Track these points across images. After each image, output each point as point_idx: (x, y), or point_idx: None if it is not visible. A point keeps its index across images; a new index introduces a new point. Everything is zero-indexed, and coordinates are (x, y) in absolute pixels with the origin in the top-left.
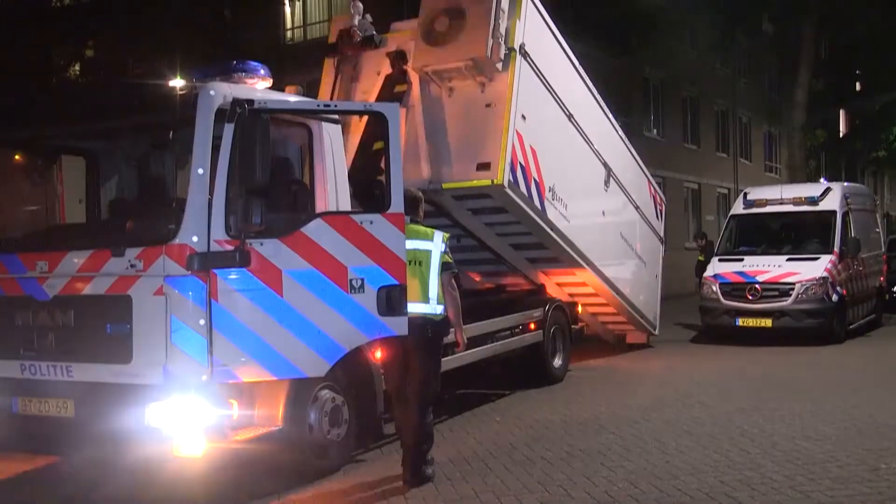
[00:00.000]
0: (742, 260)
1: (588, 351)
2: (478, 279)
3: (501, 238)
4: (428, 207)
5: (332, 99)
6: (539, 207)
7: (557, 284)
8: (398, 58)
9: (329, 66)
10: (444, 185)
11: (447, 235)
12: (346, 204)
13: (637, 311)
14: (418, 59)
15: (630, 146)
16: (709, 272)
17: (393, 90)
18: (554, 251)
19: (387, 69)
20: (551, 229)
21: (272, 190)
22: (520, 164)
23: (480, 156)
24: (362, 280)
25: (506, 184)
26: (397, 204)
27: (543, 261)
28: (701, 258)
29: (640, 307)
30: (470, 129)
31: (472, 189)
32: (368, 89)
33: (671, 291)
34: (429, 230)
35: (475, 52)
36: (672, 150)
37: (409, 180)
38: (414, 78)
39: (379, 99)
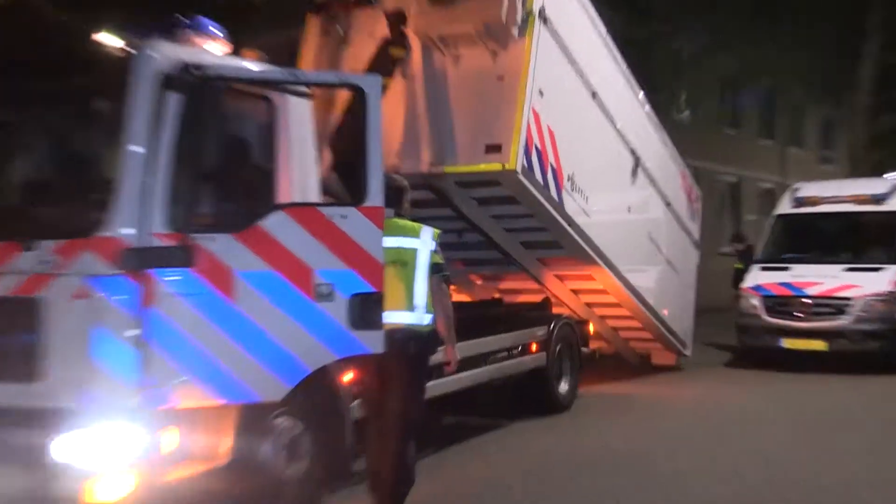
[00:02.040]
0: (789, 269)
1: (605, 373)
2: (479, 282)
3: (510, 234)
4: (426, 195)
5: (316, 68)
6: (556, 199)
7: (573, 292)
8: (397, 18)
9: (313, 25)
10: (447, 169)
11: (438, 232)
12: (314, 194)
13: (665, 327)
14: (421, 21)
15: (662, 132)
16: (748, 283)
17: (390, 57)
18: (570, 251)
19: (383, 31)
20: (569, 225)
21: (225, 175)
22: (535, 147)
23: (490, 136)
24: (331, 286)
25: (519, 169)
26: (376, 195)
27: (557, 262)
28: (739, 266)
29: (669, 322)
30: (478, 104)
31: (480, 175)
32: (360, 55)
33: (703, 304)
34: (415, 225)
35: (488, 15)
36: (706, 136)
37: (406, 163)
38: (415, 43)
39: (373, 67)
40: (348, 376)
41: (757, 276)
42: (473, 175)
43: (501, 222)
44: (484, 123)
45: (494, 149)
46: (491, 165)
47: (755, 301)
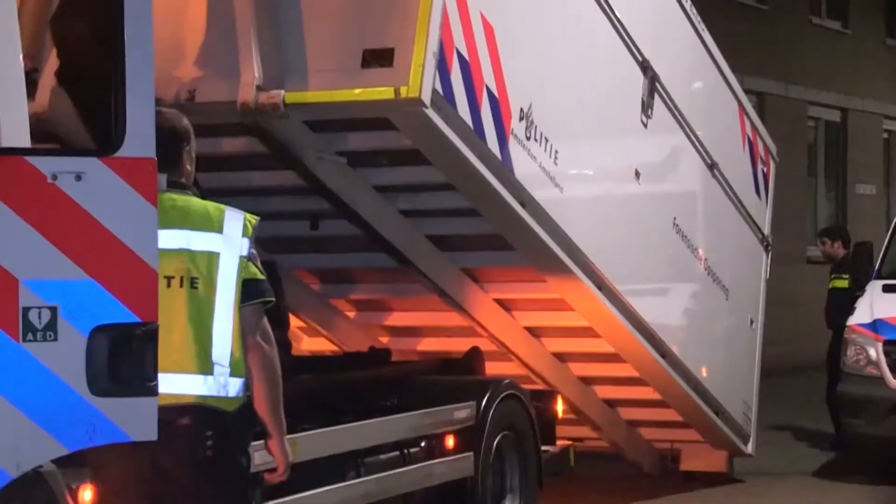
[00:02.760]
0: None
1: (591, 491)
2: (350, 314)
3: (410, 222)
4: (248, 146)
5: None
6: (496, 154)
7: (529, 331)
8: None
9: None
10: (289, 98)
11: (254, 220)
12: (17, 132)
13: (707, 401)
14: None
15: (702, 27)
16: (859, 316)
17: None
18: (526, 252)
19: None
20: (521, 204)
21: None
22: (458, 55)
23: (372, 34)
24: (52, 311)
25: (427, 98)
26: (138, 139)
27: (500, 274)
28: (840, 284)
29: (715, 390)
30: None
31: (352, 108)
32: None
33: (775, 356)
34: (211, 207)
35: None
36: (784, 32)
37: (207, 86)
38: None
39: None
40: (85, 493)
41: (876, 304)
42: (340, 108)
43: (394, 199)
44: (360, 11)
45: (379, 57)
46: (373, 91)
47: (872, 349)
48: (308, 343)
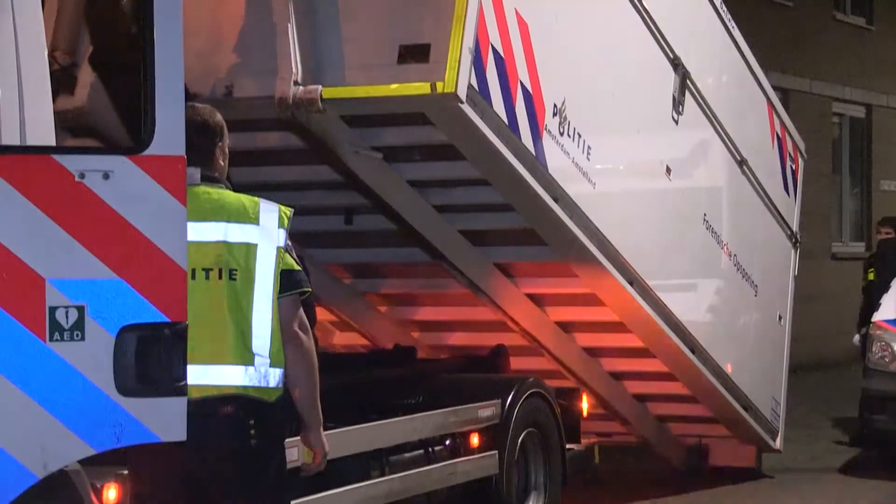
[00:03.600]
0: None
1: (616, 486)
2: (383, 308)
3: (446, 217)
4: (285, 141)
5: None
6: (531, 149)
7: (560, 326)
8: None
9: None
10: (326, 93)
11: (289, 211)
12: (43, 130)
13: (735, 396)
14: None
15: (732, 24)
16: (884, 312)
17: None
18: (557, 246)
19: None
20: (555, 199)
21: None
22: (493, 51)
23: (409, 30)
24: (79, 311)
25: (463, 93)
26: (167, 136)
27: (532, 269)
28: (870, 279)
29: (744, 386)
30: None
31: (388, 103)
32: None
33: (803, 353)
34: (247, 200)
35: None
36: (806, 28)
37: (245, 82)
38: None
39: None
40: (110, 492)
41: None
42: (376, 103)
43: (427, 194)
44: (396, 6)
45: (416, 53)
46: (410, 87)
47: None
48: (340, 337)
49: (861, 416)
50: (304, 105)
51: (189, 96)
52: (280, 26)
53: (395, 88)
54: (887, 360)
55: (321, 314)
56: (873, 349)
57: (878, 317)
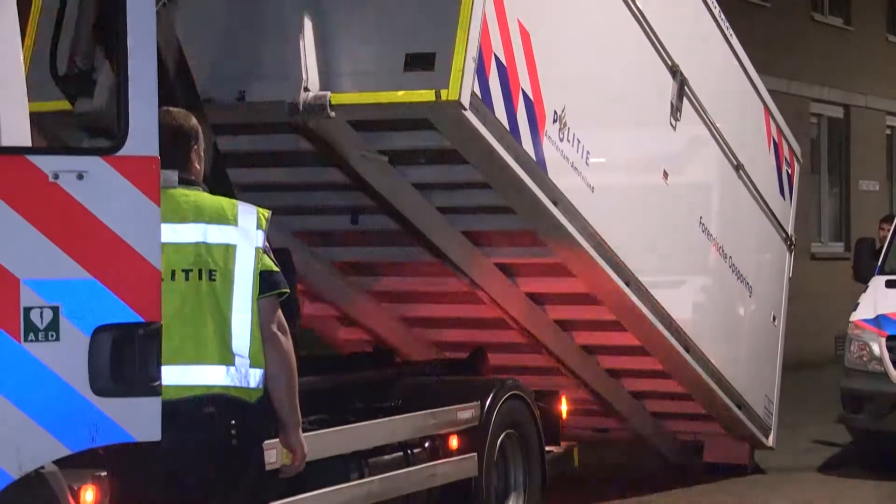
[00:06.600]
0: None
1: (605, 486)
2: (383, 304)
3: (449, 219)
4: (295, 144)
5: None
6: (531, 155)
7: (559, 324)
8: None
9: None
10: (335, 99)
11: (267, 213)
12: (18, 131)
13: (729, 394)
14: None
15: (729, 32)
16: (862, 311)
17: None
18: (557, 249)
19: None
20: (554, 203)
21: None
22: (496, 60)
23: (414, 40)
24: (54, 311)
25: (466, 101)
26: (140, 137)
27: (533, 269)
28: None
29: (738, 384)
30: None
31: (394, 109)
32: None
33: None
34: (224, 201)
35: None
36: (786, 29)
37: (257, 86)
38: None
39: None
40: (87, 494)
41: (879, 300)
42: (383, 109)
43: (431, 196)
44: (403, 16)
45: (421, 62)
46: (415, 94)
47: (875, 345)
48: (345, 333)
49: (846, 414)
50: (314, 110)
51: (203, 100)
52: (292, 34)
53: (401, 95)
54: (865, 359)
55: (325, 310)
56: (851, 349)
57: (855, 316)
